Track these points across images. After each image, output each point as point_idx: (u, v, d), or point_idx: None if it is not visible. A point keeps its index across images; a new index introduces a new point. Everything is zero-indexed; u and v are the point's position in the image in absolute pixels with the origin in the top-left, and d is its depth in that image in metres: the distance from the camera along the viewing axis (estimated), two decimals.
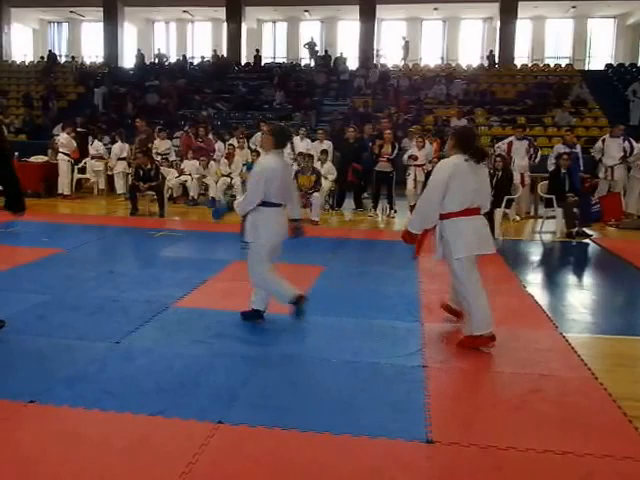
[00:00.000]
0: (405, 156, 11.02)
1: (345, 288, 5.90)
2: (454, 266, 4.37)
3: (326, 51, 22.78)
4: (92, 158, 12.93)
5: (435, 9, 23.38)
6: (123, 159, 12.58)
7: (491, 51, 22.05)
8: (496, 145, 11.24)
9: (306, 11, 24.38)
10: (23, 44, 27.57)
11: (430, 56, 24.07)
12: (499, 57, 21.70)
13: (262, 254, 4.63)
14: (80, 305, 5.01)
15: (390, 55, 23.59)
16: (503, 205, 9.12)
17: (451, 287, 4.81)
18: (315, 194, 9.70)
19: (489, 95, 18.79)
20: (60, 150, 12.40)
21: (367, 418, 3.20)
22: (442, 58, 24.22)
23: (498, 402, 3.45)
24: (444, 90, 18.67)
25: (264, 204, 4.51)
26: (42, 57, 24.34)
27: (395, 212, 10.91)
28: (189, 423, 3.04)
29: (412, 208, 10.86)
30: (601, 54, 24.32)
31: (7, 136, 14.76)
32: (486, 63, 21.91)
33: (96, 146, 13.10)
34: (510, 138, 11.15)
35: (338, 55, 22.12)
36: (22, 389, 3.35)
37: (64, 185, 12.32)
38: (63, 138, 12.50)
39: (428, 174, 10.80)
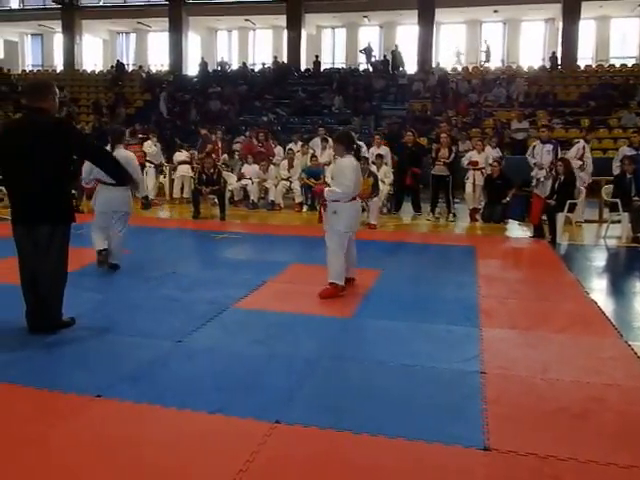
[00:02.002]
0: (464, 162, 10.86)
1: (402, 292, 5.88)
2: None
3: (384, 56, 22.75)
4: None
5: (495, 11, 23.00)
6: (184, 163, 12.84)
7: (553, 52, 21.47)
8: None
9: (365, 17, 24.44)
10: (93, 54, 28.79)
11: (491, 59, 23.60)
12: (562, 58, 21.13)
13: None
14: (144, 304, 5.20)
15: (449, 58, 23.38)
16: (566, 209, 8.87)
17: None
18: (373, 198, 9.69)
19: (551, 97, 18.31)
20: (146, 158, 12.53)
21: (422, 422, 3.18)
22: (502, 60, 23.74)
23: (558, 411, 3.36)
24: (504, 92, 18.32)
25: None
26: (111, 66, 25.35)
27: (454, 216, 10.78)
28: (247, 422, 3.10)
29: (471, 212, 10.73)
30: None
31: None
32: (548, 65, 21.35)
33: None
34: (535, 142, 10.80)
35: (397, 48, 22.04)
36: (89, 383, 3.50)
37: (149, 190, 12.29)
38: (147, 146, 12.68)
39: (488, 177, 10.65)
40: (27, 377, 3.59)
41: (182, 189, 12.89)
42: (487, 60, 22.30)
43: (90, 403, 3.29)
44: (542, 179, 10.08)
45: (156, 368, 3.82)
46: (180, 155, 13.03)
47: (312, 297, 5.54)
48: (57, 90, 4.47)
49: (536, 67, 21.14)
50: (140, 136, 14.04)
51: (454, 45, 23.67)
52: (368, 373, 3.85)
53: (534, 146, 10.53)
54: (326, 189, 5.69)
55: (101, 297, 5.36)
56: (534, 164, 10.29)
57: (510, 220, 10.39)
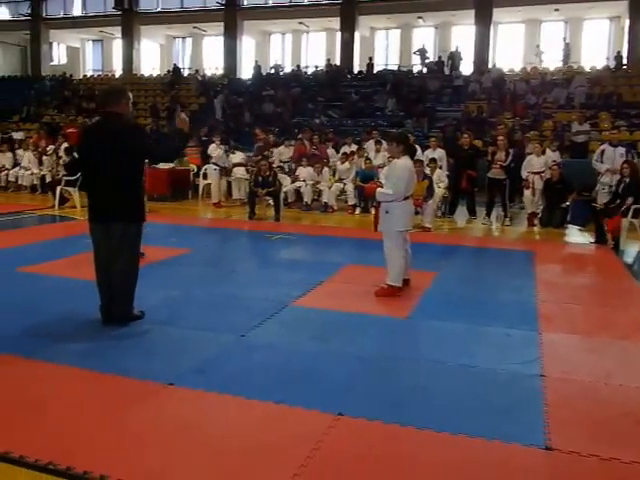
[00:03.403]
0: (524, 172, 10.65)
1: (458, 294, 5.90)
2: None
3: (439, 57, 22.58)
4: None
5: (556, 10, 22.43)
6: (240, 165, 13.04)
7: (618, 52, 20.81)
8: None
9: (420, 17, 24.29)
10: (151, 58, 29.62)
11: (549, 58, 23.08)
12: (627, 58, 20.43)
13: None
14: (207, 301, 5.40)
15: (507, 58, 22.99)
16: (630, 214, 8.64)
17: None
18: (428, 201, 9.69)
19: (615, 98, 17.73)
20: (211, 161, 12.80)
21: (483, 421, 3.23)
22: (562, 60, 23.14)
23: (622, 415, 3.34)
24: (564, 93, 17.89)
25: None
26: (168, 71, 26.01)
27: (510, 220, 10.66)
28: (312, 412, 3.23)
29: (529, 216, 10.58)
30: None
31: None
32: (612, 64, 20.70)
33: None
34: (603, 146, 10.45)
35: (457, 50, 21.87)
36: (162, 372, 3.71)
37: (214, 193, 12.52)
38: (212, 149, 12.87)
39: (547, 181, 10.48)
40: (105, 365, 3.81)
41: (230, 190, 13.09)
42: (566, 61, 21.64)
43: (163, 390, 3.50)
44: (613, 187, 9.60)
45: (222, 360, 4.00)
46: (235, 157, 13.21)
47: (368, 297, 5.62)
48: (130, 95, 4.71)
49: (599, 67, 20.51)
50: (204, 138, 14.40)
51: (535, 44, 23.13)
52: (426, 372, 3.92)
53: (602, 150, 10.12)
54: (378, 190, 5.73)
55: (166, 293, 5.58)
56: (606, 170, 9.81)
57: (570, 225, 10.21)
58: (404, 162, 5.61)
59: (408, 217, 5.77)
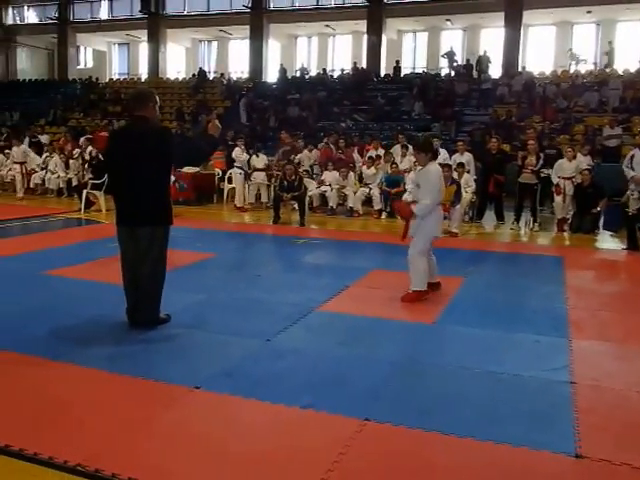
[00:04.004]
0: (555, 177, 10.47)
1: (486, 300, 5.83)
2: None
3: (468, 60, 22.39)
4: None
5: (588, 12, 22.03)
6: (261, 170, 12.95)
7: None
8: None
9: (448, 20, 24.09)
10: (176, 62, 29.82)
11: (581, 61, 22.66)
12: None
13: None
14: (233, 305, 5.42)
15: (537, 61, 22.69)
16: None
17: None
18: (456, 206, 9.59)
19: None
20: (235, 165, 12.79)
21: (510, 427, 3.19)
22: (594, 63, 22.75)
23: None
24: (596, 97, 17.58)
25: None
26: (193, 74, 26.14)
27: (539, 225, 10.50)
28: (338, 418, 3.23)
29: (559, 222, 10.41)
30: None
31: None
32: None
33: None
34: (633, 150, 10.17)
35: (485, 54, 21.68)
36: (188, 376, 3.73)
37: (239, 197, 12.53)
38: (237, 152, 12.82)
39: (578, 186, 10.30)
40: (133, 368, 3.85)
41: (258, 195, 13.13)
42: (609, 64, 21.21)
43: (190, 394, 3.52)
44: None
45: (248, 364, 4.01)
46: (258, 161, 13.08)
47: (394, 302, 5.59)
48: (157, 99, 4.75)
49: (633, 70, 20.07)
50: (230, 142, 14.47)
51: (569, 46, 22.78)
52: (453, 378, 3.88)
53: (632, 155, 9.78)
54: (415, 208, 5.55)
55: (192, 297, 5.61)
56: (631, 178, 9.33)
57: (601, 231, 10.00)
58: (435, 168, 5.64)
59: (440, 223, 5.88)
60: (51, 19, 28.79)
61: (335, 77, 24.17)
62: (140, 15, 26.94)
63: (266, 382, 3.69)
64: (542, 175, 10.39)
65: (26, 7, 30.23)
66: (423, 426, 3.15)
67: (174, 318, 4.79)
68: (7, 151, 14.98)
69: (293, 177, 11.07)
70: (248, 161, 13.03)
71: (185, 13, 27.20)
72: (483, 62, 21.37)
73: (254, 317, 5.05)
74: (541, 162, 10.42)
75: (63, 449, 2.86)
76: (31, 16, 30.52)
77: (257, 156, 13.09)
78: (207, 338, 4.50)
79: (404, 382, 3.82)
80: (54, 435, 3.02)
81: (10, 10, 30.16)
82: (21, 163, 13.96)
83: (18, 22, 30.40)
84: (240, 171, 12.70)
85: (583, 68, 21.25)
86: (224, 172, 13.50)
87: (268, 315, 5.09)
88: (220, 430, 3.11)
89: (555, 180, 10.55)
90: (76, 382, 3.67)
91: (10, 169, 14.49)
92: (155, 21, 26.93)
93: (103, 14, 28.85)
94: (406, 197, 5.79)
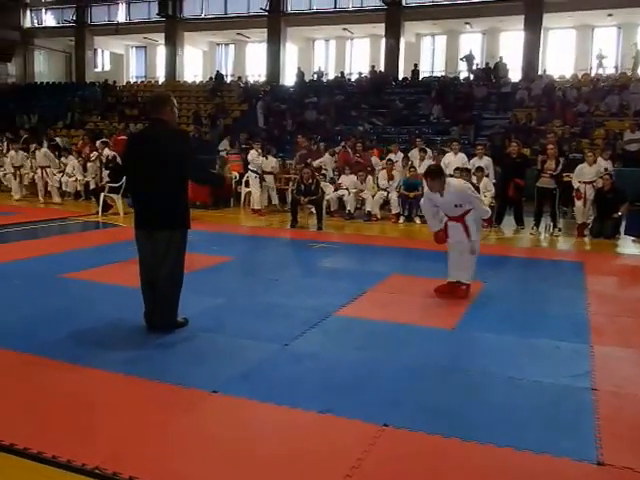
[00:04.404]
0: (575, 181, 10.35)
1: (506, 305, 5.78)
2: None
3: (487, 63, 22.24)
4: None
5: (609, 15, 21.75)
6: (269, 173, 12.96)
7: None
8: None
9: (467, 23, 23.92)
10: (194, 65, 29.82)
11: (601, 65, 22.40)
12: None
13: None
14: (250, 309, 5.39)
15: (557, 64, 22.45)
16: None
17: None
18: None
19: None
20: (250, 167, 12.75)
21: (531, 434, 3.15)
22: (615, 67, 22.46)
23: None
24: (617, 101, 17.36)
25: None
26: (210, 77, 26.18)
27: (559, 230, 10.38)
28: (356, 423, 3.20)
29: (579, 227, 10.28)
30: None
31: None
32: None
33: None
34: None
35: (501, 60, 21.53)
36: (206, 380, 3.72)
37: (256, 201, 12.51)
38: (252, 155, 12.80)
39: (599, 191, 10.17)
40: (151, 372, 3.85)
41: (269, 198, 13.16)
42: (635, 67, 20.94)
43: (208, 397, 3.51)
44: None
45: (266, 368, 3.99)
46: (266, 163, 13.02)
47: (414, 307, 5.56)
48: (175, 101, 4.76)
49: None
50: (243, 146, 14.49)
51: (590, 49, 22.57)
52: (473, 383, 3.84)
53: None
54: (480, 215, 6.07)
55: (210, 301, 5.61)
56: None
57: (622, 236, 9.86)
58: (457, 181, 6.19)
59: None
60: (69, 22, 29.00)
61: (353, 80, 24.10)
62: (157, 18, 27.07)
63: (284, 386, 3.67)
64: (564, 180, 10.29)
65: (44, 10, 30.51)
66: (443, 432, 3.11)
67: (192, 321, 4.79)
68: (25, 154, 15.09)
69: (310, 181, 11.04)
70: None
71: (202, 16, 27.26)
72: (500, 69, 21.18)
73: (272, 321, 5.04)
74: (560, 167, 10.31)
75: (81, 452, 2.86)
76: (49, 19, 30.76)
77: (266, 158, 13.04)
78: (225, 342, 4.49)
79: (423, 387, 3.78)
80: (72, 438, 3.02)
81: (28, 13, 30.40)
82: (43, 167, 14.03)
83: (36, 25, 30.64)
84: (255, 174, 12.69)
85: (606, 71, 20.98)
86: (241, 176, 13.53)
87: (286, 319, 5.07)
88: (237, 434, 3.10)
89: (576, 185, 10.45)
90: (95, 386, 3.67)
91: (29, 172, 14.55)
92: (172, 24, 27.03)
93: (121, 17, 29.04)
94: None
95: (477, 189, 9.82)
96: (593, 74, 20.95)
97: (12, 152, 14.69)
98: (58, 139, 19.00)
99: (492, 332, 4.87)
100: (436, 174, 5.84)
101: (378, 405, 3.42)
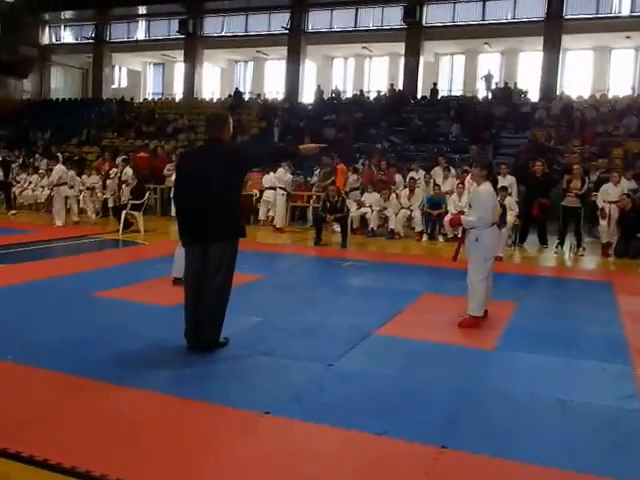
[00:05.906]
0: (600, 201, 10.35)
1: (542, 325, 5.79)
2: None
3: (506, 83, 22.32)
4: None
5: (627, 37, 21.84)
6: (271, 189, 13.09)
7: None
8: None
9: (486, 43, 24.03)
10: (212, 82, 29.90)
11: (619, 86, 22.44)
12: None
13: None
14: (289, 328, 5.40)
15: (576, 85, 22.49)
16: None
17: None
18: (502, 229, 9.52)
19: None
20: (277, 185, 12.84)
21: (590, 457, 3.16)
22: (633, 88, 22.48)
23: None
24: (635, 121, 17.38)
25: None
26: (229, 95, 26.30)
27: (584, 250, 10.37)
28: (414, 445, 3.20)
29: (604, 246, 10.26)
30: None
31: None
32: None
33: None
34: None
35: (516, 86, 21.60)
36: (256, 400, 3.71)
37: (279, 218, 12.59)
38: (279, 172, 12.90)
39: (622, 210, 10.17)
40: (199, 392, 3.81)
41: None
42: None
43: (261, 419, 3.48)
44: None
45: (314, 389, 4.00)
46: (267, 179, 13.16)
47: (450, 327, 5.57)
48: (231, 121, 4.86)
49: None
50: None
51: (607, 71, 22.63)
52: (523, 405, 3.84)
53: None
54: (462, 217, 5.82)
55: (247, 319, 5.60)
56: None
57: None
58: (487, 188, 5.65)
59: (495, 244, 5.82)
60: (87, 39, 29.11)
61: (372, 99, 24.23)
62: (177, 35, 27.16)
63: (336, 407, 3.67)
64: (593, 199, 10.32)
65: (63, 27, 30.65)
66: (503, 454, 3.12)
67: (232, 340, 4.78)
68: (41, 171, 15.09)
69: (336, 198, 11.12)
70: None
71: (223, 34, 27.45)
72: (515, 94, 21.21)
73: (312, 340, 5.06)
74: (586, 186, 10.33)
75: (130, 473, 2.83)
76: (67, 36, 30.86)
77: (267, 173, 13.20)
78: (268, 362, 4.50)
79: (475, 409, 3.79)
80: (120, 459, 2.96)
81: (47, 30, 30.61)
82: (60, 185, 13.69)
83: (54, 42, 30.77)
84: (283, 192, 12.76)
85: (622, 92, 21.00)
86: (261, 193, 13.61)
87: (326, 338, 5.10)
88: (295, 456, 3.09)
89: (600, 204, 10.45)
90: (142, 407, 3.62)
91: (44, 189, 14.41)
92: (192, 42, 27.16)
93: (140, 34, 29.18)
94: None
95: (504, 208, 9.85)
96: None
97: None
98: (60, 155, 19.14)
99: (533, 352, 4.88)
100: (483, 165, 5.83)
101: (433, 426, 3.44)
